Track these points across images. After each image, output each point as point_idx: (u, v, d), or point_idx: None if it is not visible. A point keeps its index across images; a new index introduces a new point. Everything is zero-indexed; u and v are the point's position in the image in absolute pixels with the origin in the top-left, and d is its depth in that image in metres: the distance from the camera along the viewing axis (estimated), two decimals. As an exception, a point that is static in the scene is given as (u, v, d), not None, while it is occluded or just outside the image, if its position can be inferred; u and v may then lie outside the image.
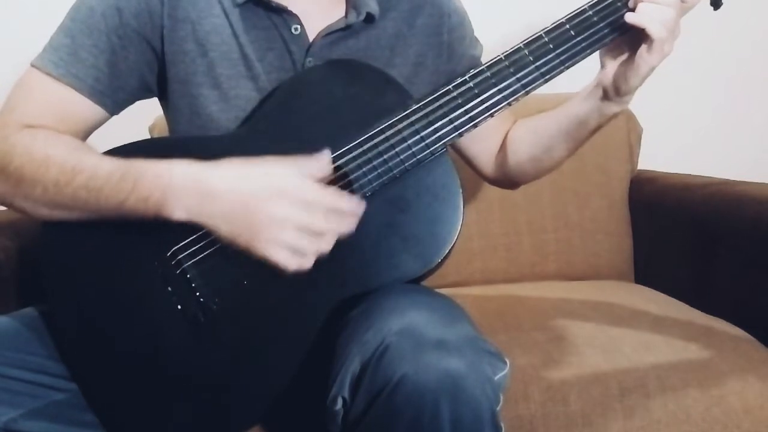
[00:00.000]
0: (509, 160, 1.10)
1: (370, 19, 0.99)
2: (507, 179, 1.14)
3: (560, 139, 1.04)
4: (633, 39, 0.90)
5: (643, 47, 0.88)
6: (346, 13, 1.00)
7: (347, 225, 0.85)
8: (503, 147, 1.12)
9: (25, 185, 0.88)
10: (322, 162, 0.86)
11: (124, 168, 0.85)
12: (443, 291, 0.95)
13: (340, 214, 0.84)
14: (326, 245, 0.84)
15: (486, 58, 0.95)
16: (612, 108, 0.96)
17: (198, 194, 0.83)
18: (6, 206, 0.93)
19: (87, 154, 0.88)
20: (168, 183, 0.83)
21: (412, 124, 0.91)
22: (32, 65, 0.94)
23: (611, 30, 0.90)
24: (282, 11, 0.96)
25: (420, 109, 0.91)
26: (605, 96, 0.95)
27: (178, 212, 0.83)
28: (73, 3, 0.95)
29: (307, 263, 0.83)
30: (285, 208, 0.82)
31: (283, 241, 0.82)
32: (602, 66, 0.94)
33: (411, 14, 1.04)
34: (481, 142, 1.11)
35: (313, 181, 0.84)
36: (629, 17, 0.88)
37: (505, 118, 1.11)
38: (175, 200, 0.83)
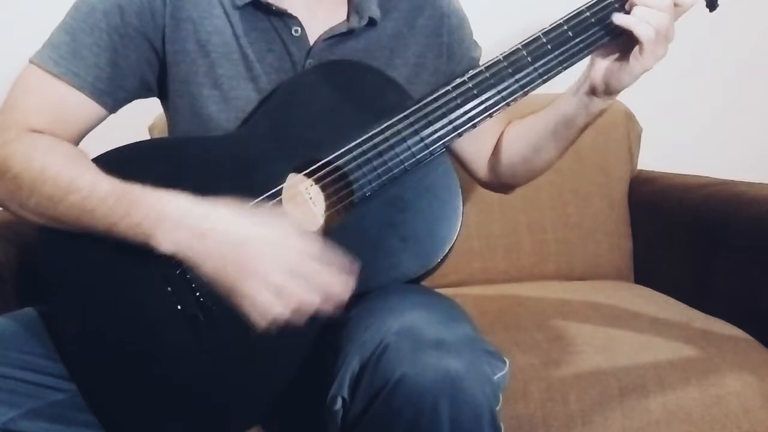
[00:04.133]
0: (501, 162, 1.10)
1: (371, 23, 1.00)
2: (499, 182, 1.14)
3: (549, 139, 1.03)
4: (627, 40, 0.90)
5: (636, 49, 0.89)
6: (348, 16, 1.00)
7: (330, 303, 0.81)
8: (496, 149, 1.11)
9: (20, 194, 0.88)
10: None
11: (120, 192, 0.84)
12: (443, 291, 0.95)
13: (327, 290, 0.81)
14: (302, 314, 0.81)
15: (485, 59, 0.95)
16: (599, 105, 0.96)
17: (189, 231, 0.82)
18: (4, 209, 0.93)
19: (85, 170, 0.88)
20: (161, 214, 0.82)
21: (411, 124, 0.91)
22: (31, 62, 0.94)
23: (608, 31, 0.90)
24: (282, 14, 0.97)
25: (419, 109, 0.91)
26: (593, 92, 0.95)
27: (166, 245, 0.82)
28: (74, 1, 0.95)
29: (279, 319, 0.80)
30: (273, 261, 0.80)
31: (261, 292, 0.80)
32: (592, 63, 0.94)
33: (411, 15, 1.04)
34: (476, 144, 1.11)
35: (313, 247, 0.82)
36: (617, 18, 0.88)
37: (499, 120, 1.10)
38: (164, 232, 0.82)
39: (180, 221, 0.82)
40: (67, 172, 0.87)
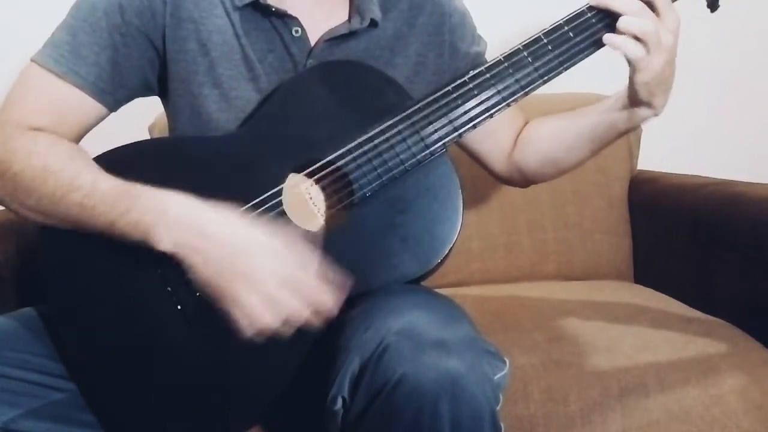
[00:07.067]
0: (528, 158, 1.09)
1: (373, 24, 1.00)
2: (523, 177, 1.12)
3: (586, 140, 1.02)
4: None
5: (630, 68, 0.88)
6: (350, 17, 1.00)
7: (320, 317, 0.81)
8: (522, 145, 1.10)
9: (20, 193, 0.88)
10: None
11: (120, 190, 0.84)
12: (443, 291, 0.95)
13: (318, 304, 0.81)
14: (290, 325, 0.81)
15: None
16: (640, 114, 0.94)
17: (189, 229, 0.82)
18: (4, 207, 0.93)
19: (86, 168, 0.88)
20: (161, 213, 0.82)
21: (411, 125, 0.91)
22: (33, 60, 0.94)
23: (609, 32, 0.90)
24: (282, 15, 0.97)
25: (420, 110, 0.91)
26: (632, 102, 0.94)
27: (165, 243, 0.82)
28: (74, 0, 0.95)
29: (268, 329, 0.80)
30: (270, 270, 0.80)
31: (253, 300, 0.80)
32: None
33: (411, 14, 1.04)
34: (492, 139, 1.10)
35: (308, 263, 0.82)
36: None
37: (515, 115, 1.10)
38: (163, 230, 0.82)
39: (180, 220, 0.82)
40: (68, 170, 0.87)
